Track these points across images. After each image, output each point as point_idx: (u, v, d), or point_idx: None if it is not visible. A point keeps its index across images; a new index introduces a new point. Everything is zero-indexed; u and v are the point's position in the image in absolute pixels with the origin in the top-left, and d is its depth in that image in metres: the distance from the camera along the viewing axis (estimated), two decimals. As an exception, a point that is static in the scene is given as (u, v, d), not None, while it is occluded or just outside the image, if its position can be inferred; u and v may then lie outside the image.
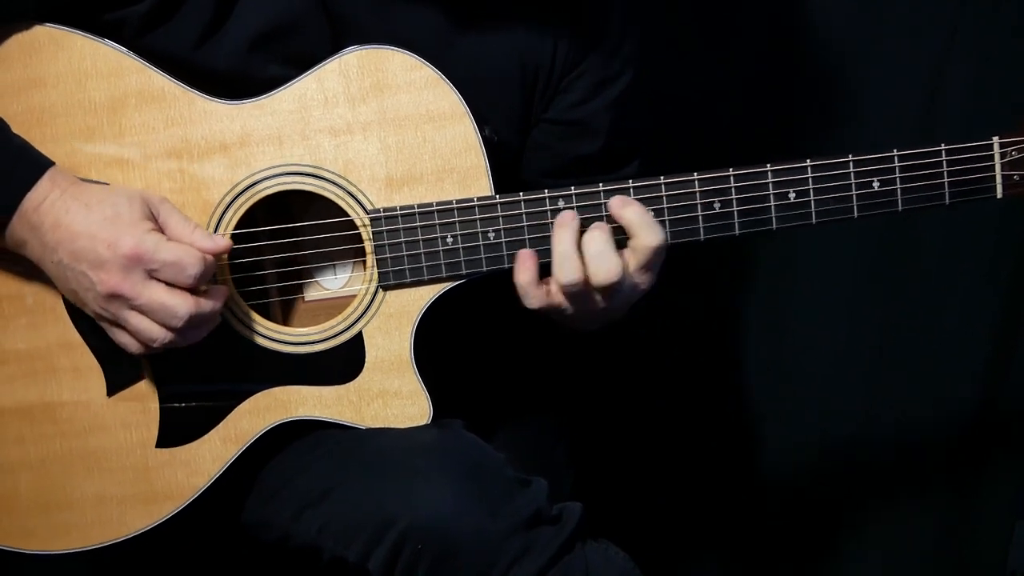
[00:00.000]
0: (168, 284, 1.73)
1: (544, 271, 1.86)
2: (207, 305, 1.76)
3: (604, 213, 1.84)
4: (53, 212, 1.73)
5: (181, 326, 1.73)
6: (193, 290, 1.75)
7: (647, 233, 1.81)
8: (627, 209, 1.83)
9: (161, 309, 1.72)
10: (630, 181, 1.84)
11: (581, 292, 1.82)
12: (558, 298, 1.85)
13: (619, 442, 3.07)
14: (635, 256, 1.83)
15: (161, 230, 1.76)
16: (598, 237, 1.82)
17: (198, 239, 1.77)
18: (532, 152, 2.09)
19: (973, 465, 3.18)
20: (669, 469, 3.12)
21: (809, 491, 3.18)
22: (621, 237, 1.84)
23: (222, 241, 1.79)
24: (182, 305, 1.72)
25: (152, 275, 1.72)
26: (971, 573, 3.22)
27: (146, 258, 1.71)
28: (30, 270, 1.82)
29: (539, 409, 2.25)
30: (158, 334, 1.74)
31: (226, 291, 1.82)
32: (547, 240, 1.84)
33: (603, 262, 1.81)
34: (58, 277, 1.77)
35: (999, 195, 1.84)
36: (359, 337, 1.88)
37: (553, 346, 2.24)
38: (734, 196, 1.83)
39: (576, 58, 2.02)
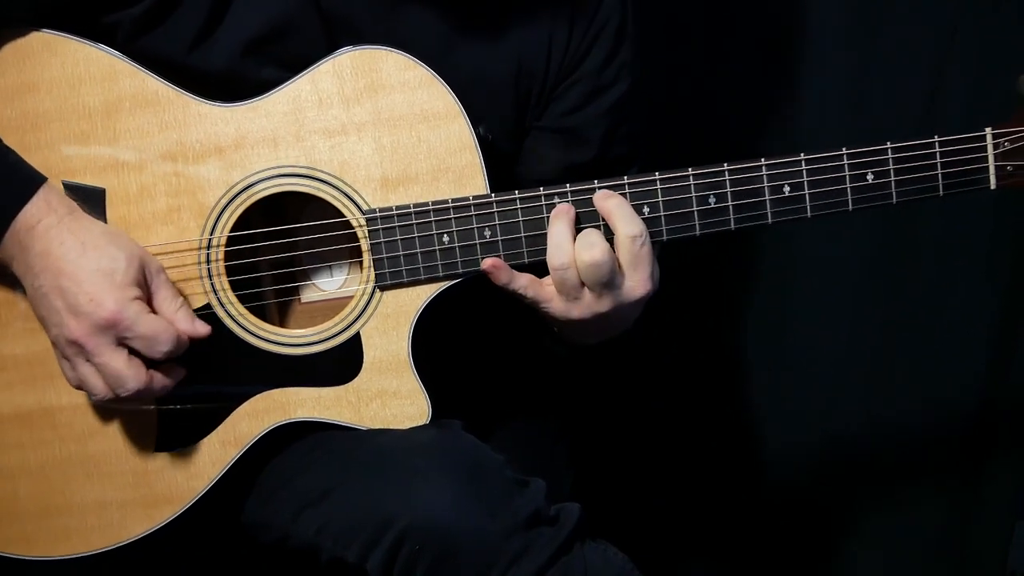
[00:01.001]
0: (131, 351, 1.74)
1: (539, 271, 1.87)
2: (158, 385, 1.77)
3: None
4: (46, 239, 1.74)
5: (125, 396, 1.74)
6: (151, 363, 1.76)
7: (623, 224, 1.81)
8: (608, 201, 1.83)
9: (114, 376, 1.73)
10: (625, 177, 1.84)
11: (571, 283, 1.82)
12: (548, 291, 1.85)
13: (618, 443, 3.08)
14: (620, 251, 1.82)
15: (149, 297, 1.78)
16: (590, 228, 1.83)
17: (179, 319, 1.77)
18: (526, 159, 2.09)
19: (973, 465, 3.18)
20: (668, 470, 3.12)
21: (809, 491, 3.18)
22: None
23: (202, 327, 1.80)
24: (134, 380, 1.73)
25: (122, 342, 1.73)
26: (971, 573, 3.22)
27: (122, 326, 1.72)
28: (25, 276, 1.83)
29: (538, 410, 2.25)
30: (100, 391, 1.76)
31: (183, 373, 1.81)
32: (543, 239, 1.84)
33: (587, 238, 1.80)
34: (32, 298, 1.78)
35: (992, 186, 1.84)
36: (357, 338, 1.87)
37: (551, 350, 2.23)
38: (729, 190, 1.83)
39: (571, 65, 2.02)
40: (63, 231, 1.74)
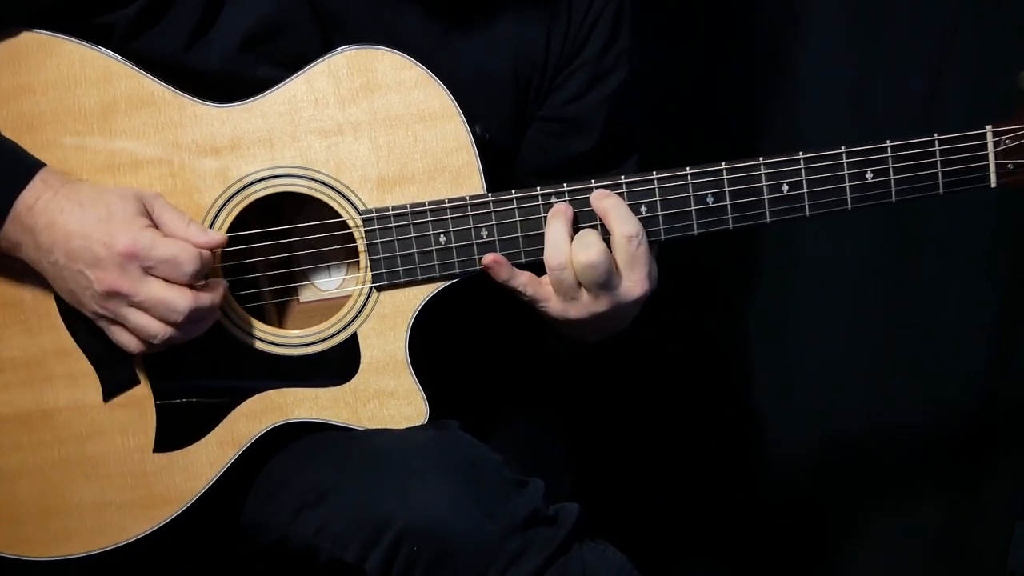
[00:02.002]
0: (165, 280, 1.73)
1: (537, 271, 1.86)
2: (206, 299, 1.76)
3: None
4: (47, 213, 1.73)
5: (181, 321, 1.74)
6: (190, 285, 1.75)
7: (619, 223, 1.81)
8: (604, 200, 1.83)
9: (160, 305, 1.72)
10: (622, 177, 1.84)
11: (568, 283, 1.82)
12: (546, 290, 1.85)
13: (618, 443, 3.07)
14: (616, 251, 1.82)
15: (156, 226, 1.77)
16: (588, 229, 1.83)
17: (193, 234, 1.77)
18: (526, 151, 2.09)
19: (973, 465, 3.17)
20: (668, 469, 3.12)
21: (809, 491, 3.17)
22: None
23: (217, 236, 1.80)
24: (181, 300, 1.73)
25: (148, 272, 1.72)
26: (971, 573, 3.21)
27: (142, 255, 1.71)
28: (22, 277, 1.83)
29: (537, 409, 2.25)
30: (158, 330, 1.74)
31: (224, 284, 1.81)
32: (540, 239, 1.83)
33: (584, 239, 1.80)
34: (55, 278, 1.77)
35: (993, 184, 1.83)
36: (354, 338, 1.87)
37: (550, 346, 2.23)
38: (727, 189, 1.83)
39: (570, 54, 2.02)
40: (60, 200, 1.74)
